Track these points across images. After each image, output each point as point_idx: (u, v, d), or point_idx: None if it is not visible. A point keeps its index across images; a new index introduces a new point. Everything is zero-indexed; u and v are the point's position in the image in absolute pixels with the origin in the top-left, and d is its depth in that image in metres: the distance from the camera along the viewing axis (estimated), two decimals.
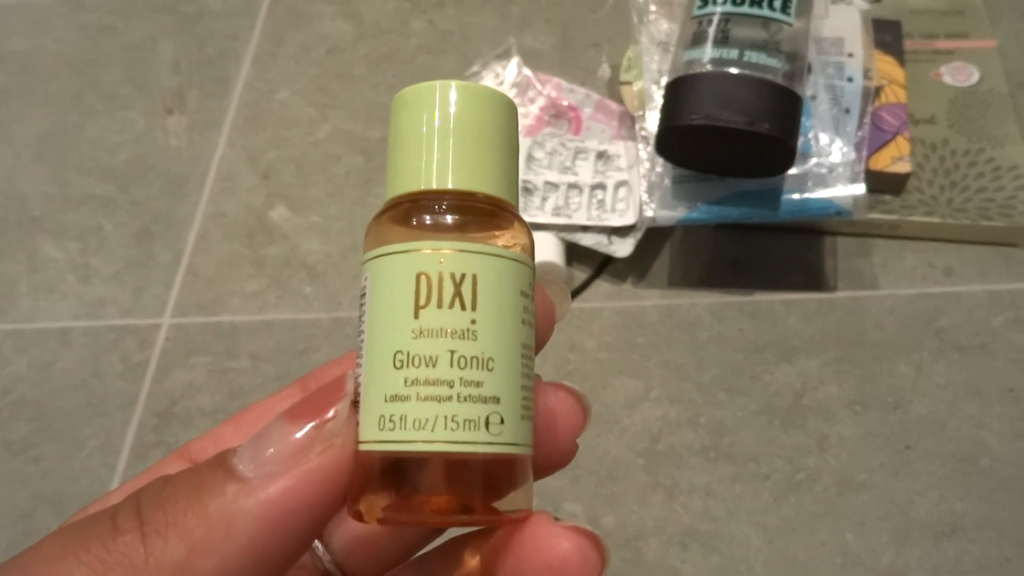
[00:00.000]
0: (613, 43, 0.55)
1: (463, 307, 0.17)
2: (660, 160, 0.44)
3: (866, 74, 0.45)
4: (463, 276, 0.17)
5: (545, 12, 0.59)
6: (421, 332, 0.16)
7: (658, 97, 0.45)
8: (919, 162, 0.47)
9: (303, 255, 0.50)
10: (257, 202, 0.53)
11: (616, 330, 0.45)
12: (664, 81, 0.43)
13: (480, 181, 0.18)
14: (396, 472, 0.17)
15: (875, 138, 0.46)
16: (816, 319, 0.44)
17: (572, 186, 0.47)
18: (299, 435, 0.16)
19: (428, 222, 0.17)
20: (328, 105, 0.57)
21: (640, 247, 0.46)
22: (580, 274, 0.47)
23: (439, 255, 0.17)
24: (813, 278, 0.46)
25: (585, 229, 0.46)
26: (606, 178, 0.47)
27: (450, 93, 0.18)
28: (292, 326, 0.48)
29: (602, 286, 0.47)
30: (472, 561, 0.19)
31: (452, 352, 0.16)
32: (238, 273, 0.50)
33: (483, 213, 0.18)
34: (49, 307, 0.50)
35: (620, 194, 0.46)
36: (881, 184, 0.45)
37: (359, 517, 0.17)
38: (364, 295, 0.18)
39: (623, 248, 0.45)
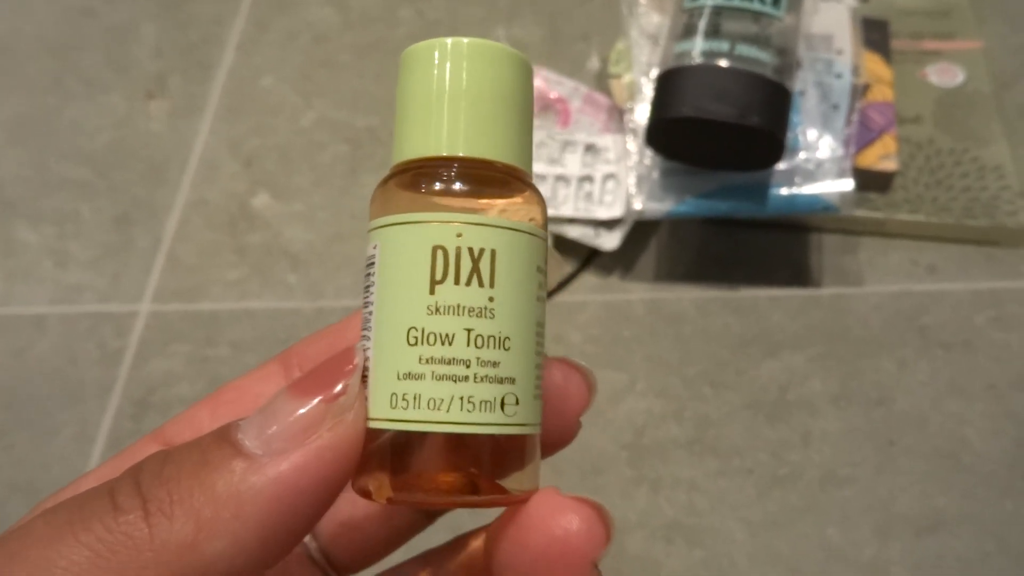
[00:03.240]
0: (603, 35, 0.55)
1: (481, 284, 0.16)
2: (649, 152, 0.44)
3: (854, 71, 0.45)
4: (481, 251, 0.16)
5: (533, 3, 0.59)
6: (437, 308, 0.16)
7: (648, 89, 0.45)
8: (905, 160, 0.47)
9: (286, 243, 0.50)
10: (239, 189, 0.52)
11: (601, 323, 0.45)
12: (654, 73, 0.43)
13: (497, 148, 0.17)
14: (406, 450, 0.16)
15: (862, 136, 0.46)
16: (801, 315, 0.44)
17: (559, 178, 0.47)
18: (308, 410, 0.15)
19: (445, 192, 0.17)
20: (313, 93, 0.56)
21: (627, 241, 0.45)
22: (566, 267, 0.47)
23: (457, 228, 0.16)
24: (799, 274, 0.46)
25: (572, 221, 0.46)
26: (594, 171, 0.46)
27: (465, 51, 0.17)
28: (274, 315, 0.47)
29: (588, 279, 0.46)
30: (476, 542, 0.19)
31: (469, 331, 0.16)
32: (219, 261, 0.49)
33: (500, 183, 0.17)
34: (24, 292, 0.49)
35: (608, 187, 0.46)
36: (867, 181, 0.46)
37: (367, 495, 0.16)
38: (372, 264, 0.17)
39: (610, 241, 0.45)
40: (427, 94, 0.17)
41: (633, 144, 0.45)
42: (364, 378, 0.16)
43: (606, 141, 0.47)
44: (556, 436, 0.18)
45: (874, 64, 0.49)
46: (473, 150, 0.17)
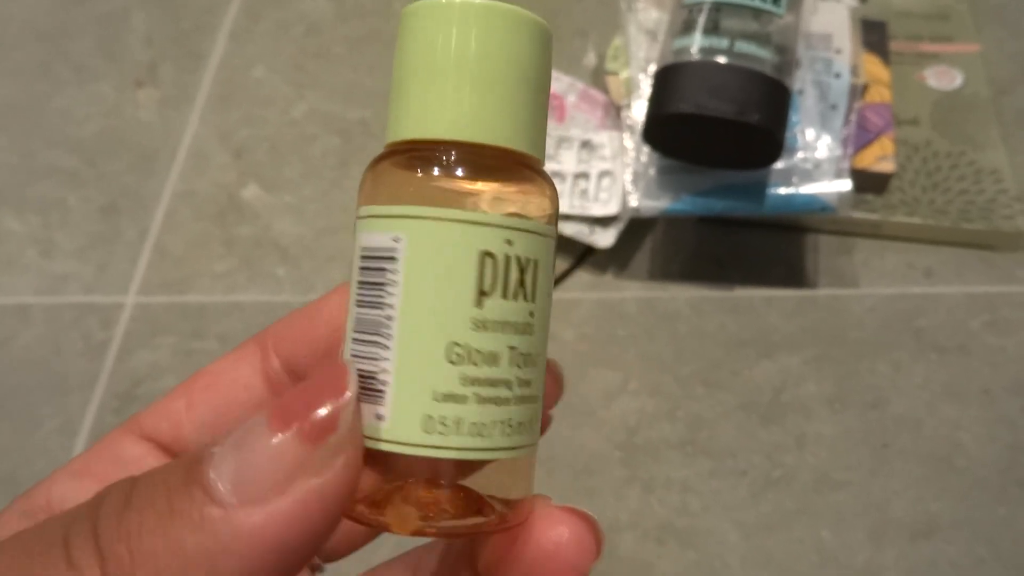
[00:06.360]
0: (599, 31, 0.54)
1: (525, 298, 0.14)
2: (645, 149, 0.43)
3: (853, 71, 0.45)
4: (527, 262, 0.14)
5: None
6: (484, 324, 0.14)
7: (645, 86, 0.45)
8: (902, 163, 0.47)
9: (276, 236, 0.49)
10: (229, 180, 0.51)
11: (595, 321, 0.44)
12: (652, 69, 0.42)
13: (515, 137, 0.15)
14: (424, 475, 0.15)
15: (859, 137, 0.46)
16: (797, 316, 0.44)
17: (555, 174, 0.46)
18: (291, 449, 0.13)
19: (476, 185, 0.14)
20: (305, 84, 0.55)
21: (621, 239, 0.45)
22: (560, 264, 0.46)
23: (508, 235, 0.14)
24: (794, 275, 0.45)
25: (566, 218, 0.45)
26: (589, 167, 0.46)
27: (483, 18, 0.15)
28: (262, 308, 0.46)
29: (582, 276, 0.46)
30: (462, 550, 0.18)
31: (512, 349, 0.14)
32: (207, 252, 0.48)
33: (526, 180, 0.15)
34: (8, 282, 0.48)
35: (603, 184, 0.45)
36: (864, 183, 0.45)
37: (383, 527, 0.15)
38: (388, 259, 0.14)
39: (604, 238, 0.45)
40: (447, 63, 0.15)
41: (630, 141, 0.45)
42: (364, 392, 0.14)
43: (602, 138, 0.47)
44: None
45: (872, 65, 0.49)
46: (484, 136, 0.15)
